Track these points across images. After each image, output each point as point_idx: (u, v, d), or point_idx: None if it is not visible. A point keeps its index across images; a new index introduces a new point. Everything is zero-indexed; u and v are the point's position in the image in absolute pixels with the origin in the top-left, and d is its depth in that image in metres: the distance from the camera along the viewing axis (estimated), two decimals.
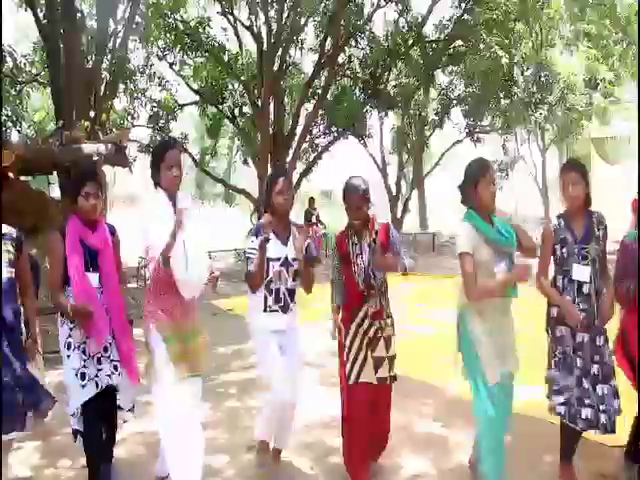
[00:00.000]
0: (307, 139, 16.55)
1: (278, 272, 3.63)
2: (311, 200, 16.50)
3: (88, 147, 8.24)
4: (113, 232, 3.59)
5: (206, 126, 17.29)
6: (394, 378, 3.64)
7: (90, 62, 11.89)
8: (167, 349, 3.33)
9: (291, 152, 15.57)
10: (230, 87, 16.08)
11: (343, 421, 3.71)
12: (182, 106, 16.51)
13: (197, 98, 16.60)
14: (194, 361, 3.41)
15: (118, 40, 12.57)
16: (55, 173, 10.55)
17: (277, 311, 3.67)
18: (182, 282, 3.27)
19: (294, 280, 3.70)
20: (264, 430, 3.85)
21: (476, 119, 19.71)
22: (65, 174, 9.97)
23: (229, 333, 7.39)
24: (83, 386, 3.32)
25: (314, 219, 15.82)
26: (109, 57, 12.27)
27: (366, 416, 3.56)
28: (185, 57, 15.70)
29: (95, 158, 8.07)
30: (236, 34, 16.14)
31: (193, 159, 16.78)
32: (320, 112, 16.28)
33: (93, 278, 3.42)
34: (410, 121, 20.49)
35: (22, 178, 9.38)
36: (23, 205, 7.94)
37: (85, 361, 3.35)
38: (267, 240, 3.50)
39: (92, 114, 10.65)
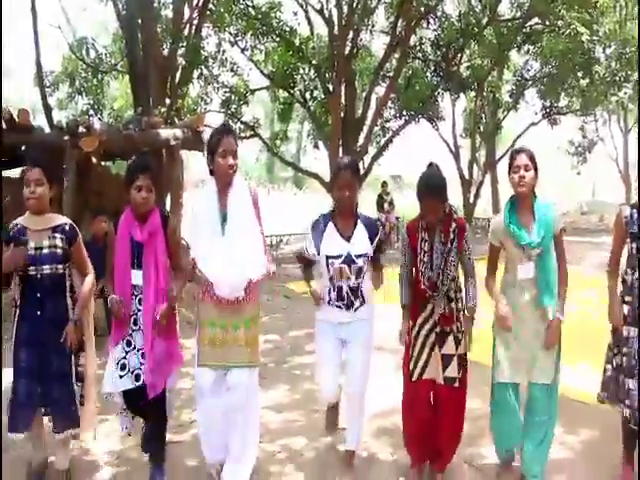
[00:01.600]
0: (378, 122, 16.38)
1: (339, 269, 3.40)
2: (384, 184, 16.34)
3: (165, 132, 8.44)
4: (167, 223, 3.45)
5: (277, 110, 17.39)
6: (462, 381, 3.35)
7: (166, 50, 12.15)
8: (202, 332, 3.33)
9: (362, 136, 15.46)
10: (301, 71, 16.07)
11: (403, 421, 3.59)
12: (253, 91, 16.66)
13: (268, 83, 16.70)
14: (231, 350, 3.30)
15: (192, 28, 12.79)
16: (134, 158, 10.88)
17: (340, 307, 3.48)
18: (217, 283, 3.25)
19: (358, 277, 3.45)
20: (326, 389, 3.69)
21: (552, 100, 18.98)
22: None
23: (302, 316, 7.44)
24: (121, 376, 3.33)
25: (386, 205, 15.65)
26: (184, 44, 12.50)
27: (426, 418, 3.40)
28: (256, 42, 15.79)
29: (172, 143, 8.26)
30: (307, 18, 16.12)
31: (265, 143, 16.93)
32: (391, 95, 16.07)
33: (138, 275, 3.35)
34: (483, 103, 19.93)
35: (103, 163, 9.74)
36: (105, 189, 8.24)
37: (127, 353, 3.35)
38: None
39: (168, 100, 10.89)
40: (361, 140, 15.39)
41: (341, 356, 3.61)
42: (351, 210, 3.49)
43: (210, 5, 13.24)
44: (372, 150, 16.67)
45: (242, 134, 15.75)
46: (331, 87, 15.11)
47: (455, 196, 16.11)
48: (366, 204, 18.53)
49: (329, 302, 3.48)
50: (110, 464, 3.80)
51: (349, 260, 3.40)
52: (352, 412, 3.60)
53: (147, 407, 3.40)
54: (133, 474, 3.66)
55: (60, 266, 3.31)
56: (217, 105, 15.75)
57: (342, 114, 14.86)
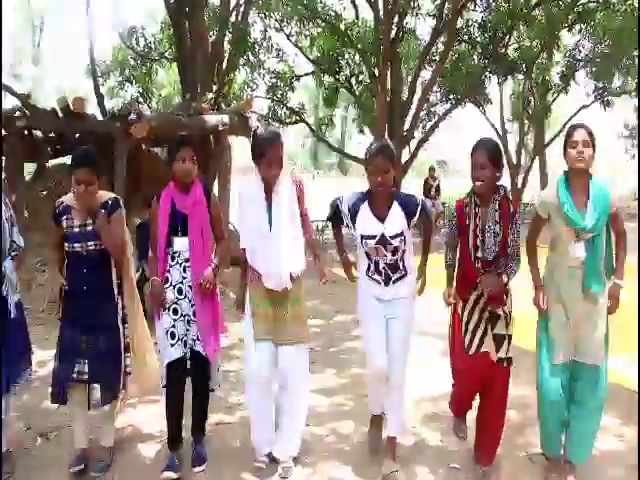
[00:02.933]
0: (424, 107, 16.17)
1: (374, 249, 3.38)
2: (431, 169, 16.17)
3: (213, 118, 8.56)
4: (209, 195, 3.53)
5: (322, 96, 17.37)
6: (510, 360, 3.33)
7: (213, 37, 12.26)
8: (251, 309, 3.45)
9: (408, 120, 15.30)
10: (346, 56, 15.98)
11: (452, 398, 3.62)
12: (299, 77, 16.68)
13: (313, 68, 16.68)
14: (280, 327, 3.41)
15: (239, 15, 12.86)
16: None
17: (378, 282, 3.45)
18: (265, 275, 3.39)
19: (394, 255, 3.39)
20: (373, 402, 3.70)
21: (605, 81, 18.36)
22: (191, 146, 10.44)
23: (349, 301, 7.45)
24: (172, 345, 3.42)
25: (433, 191, 15.49)
26: (231, 31, 12.60)
27: (477, 391, 3.42)
28: (302, 28, 15.80)
29: (220, 128, 8.36)
30: (352, 2, 16.00)
31: (310, 128, 16.96)
32: (438, 79, 15.83)
33: (182, 242, 3.43)
34: (532, 86, 19.43)
35: (152, 149, 9.93)
36: (155, 174, 8.40)
37: (175, 321, 3.44)
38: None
39: (215, 87, 11.01)
40: (407, 125, 15.24)
41: (384, 327, 3.51)
42: (385, 194, 3.39)
43: None
44: (418, 135, 16.50)
45: (287, 120, 15.82)
46: (377, 71, 14.97)
47: (503, 182, 15.69)
48: (412, 189, 18.42)
49: (367, 273, 3.48)
50: (155, 441, 3.89)
51: (384, 241, 3.36)
52: (392, 396, 3.54)
53: (192, 376, 3.55)
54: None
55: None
56: (263, 91, 15.85)
57: (388, 99, 14.73)
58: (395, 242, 3.34)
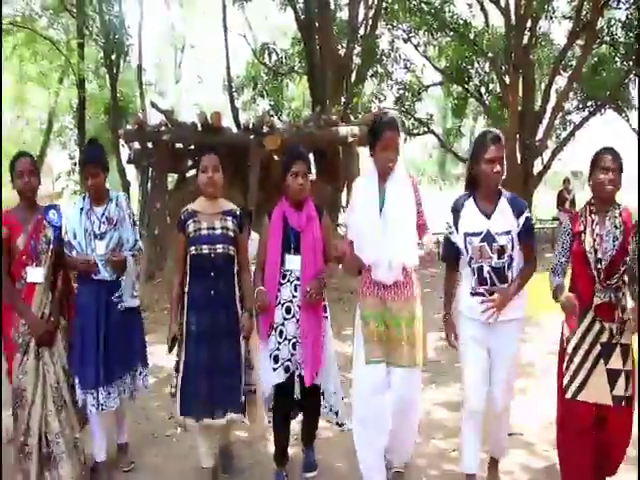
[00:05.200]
0: (558, 115, 15.45)
1: (478, 248, 3.06)
2: (565, 181, 15.35)
3: (343, 129, 8.72)
4: (321, 212, 3.43)
5: (451, 106, 17.14)
6: (630, 399, 2.93)
7: (342, 50, 12.51)
8: (362, 328, 3.22)
9: (541, 130, 14.69)
10: (476, 65, 15.68)
11: (557, 439, 3.21)
12: (427, 87, 16.57)
13: (442, 78, 16.50)
14: (392, 348, 3.17)
15: (367, 27, 13.05)
16: (312, 155, 11.38)
17: (482, 294, 3.08)
18: (373, 265, 3.18)
19: (500, 257, 3.06)
20: (467, 455, 3.27)
21: None
22: (321, 156, 10.70)
23: None
24: (274, 369, 3.29)
25: (567, 204, 14.68)
26: (359, 44, 12.80)
27: (586, 440, 2.97)
28: (430, 38, 15.69)
29: (350, 139, 8.49)
30: (482, 9, 15.69)
31: (439, 139, 16.78)
32: (573, 85, 15.06)
33: (295, 260, 3.33)
34: None
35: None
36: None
37: (280, 344, 3.32)
38: None
39: (343, 99, 11.22)
40: (540, 134, 14.64)
41: (487, 360, 3.18)
42: (496, 186, 3.13)
43: (384, 4, 13.41)
44: (551, 145, 15.78)
45: (415, 131, 15.75)
46: (508, 80, 14.56)
47: None
48: (545, 202, 17.55)
49: (471, 292, 3.14)
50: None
51: (489, 238, 3.06)
52: (496, 432, 3.33)
53: (301, 399, 3.38)
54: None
55: (232, 248, 3.31)
56: (390, 102, 15.90)
57: (519, 107, 14.24)
58: (501, 240, 3.04)
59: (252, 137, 8.07)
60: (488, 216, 3.09)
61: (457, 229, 3.14)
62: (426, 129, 15.95)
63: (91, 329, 3.39)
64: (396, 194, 3.19)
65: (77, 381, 3.38)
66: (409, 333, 3.17)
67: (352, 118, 10.02)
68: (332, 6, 13.22)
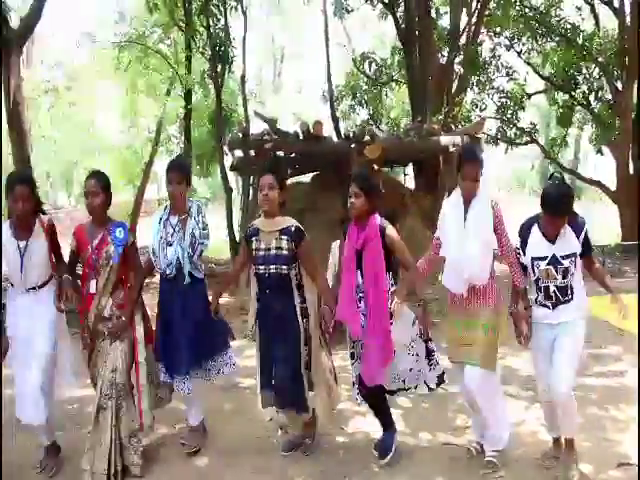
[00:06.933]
0: None
1: (545, 271, 3.45)
2: None
3: (445, 139, 8.59)
4: (383, 232, 3.54)
5: (556, 114, 16.41)
6: None
7: (443, 59, 12.33)
8: (449, 331, 3.72)
9: None
10: (584, 71, 14.93)
11: None
12: (530, 95, 15.96)
13: (546, 86, 15.86)
14: (467, 347, 3.54)
15: (469, 36, 12.75)
16: (410, 165, 11.30)
17: (547, 307, 3.52)
18: (451, 262, 3.59)
19: (565, 277, 3.42)
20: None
21: None
22: (419, 166, 10.60)
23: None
24: (352, 364, 3.76)
25: None
26: (461, 52, 12.55)
27: None
28: (534, 44, 15.14)
29: (451, 149, 8.34)
30: (592, 12, 14.97)
31: (542, 149, 16.15)
32: None
33: (357, 276, 3.60)
34: None
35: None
36: (386, 195, 8.66)
37: (354, 342, 3.71)
38: None
39: (444, 108, 11.03)
40: None
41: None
42: (561, 216, 3.37)
43: (486, 11, 13.08)
44: None
45: (517, 140, 15.24)
46: (620, 86, 13.80)
47: None
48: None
49: (536, 301, 3.55)
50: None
51: (554, 262, 3.41)
52: (562, 416, 3.53)
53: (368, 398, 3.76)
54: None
55: (284, 267, 3.58)
56: (491, 111, 15.45)
57: (633, 115, 13.45)
58: (565, 263, 3.39)
59: (353, 146, 8.09)
60: (553, 241, 3.41)
61: (524, 253, 3.51)
62: (529, 139, 15.37)
63: (173, 321, 3.74)
64: (476, 217, 3.51)
65: (164, 370, 3.81)
66: (483, 339, 3.52)
67: (453, 127, 9.83)
68: (433, 14, 13.07)
